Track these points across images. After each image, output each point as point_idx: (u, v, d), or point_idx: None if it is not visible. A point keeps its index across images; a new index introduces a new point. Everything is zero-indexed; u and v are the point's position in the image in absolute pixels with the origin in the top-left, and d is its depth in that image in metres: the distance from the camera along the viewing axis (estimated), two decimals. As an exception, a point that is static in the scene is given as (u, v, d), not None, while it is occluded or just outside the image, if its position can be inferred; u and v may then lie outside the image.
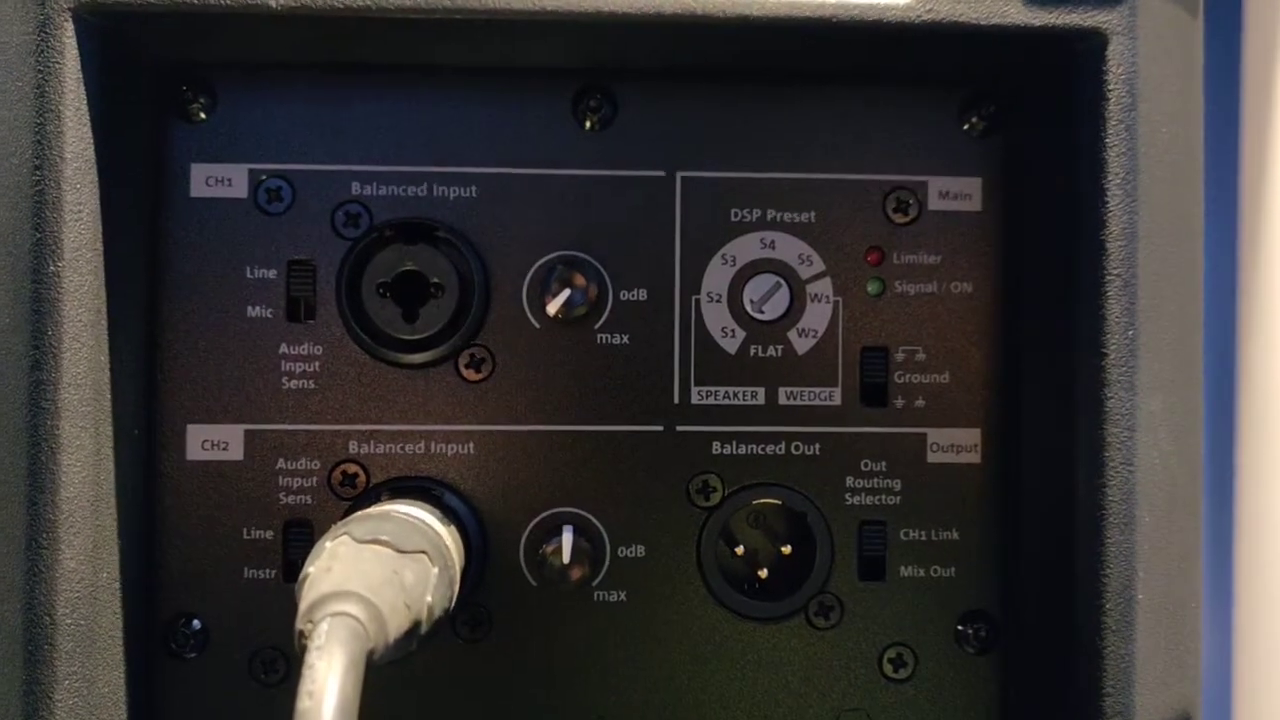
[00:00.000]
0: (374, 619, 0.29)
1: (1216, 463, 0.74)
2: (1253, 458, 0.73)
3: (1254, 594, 0.73)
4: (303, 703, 0.26)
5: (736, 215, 0.42)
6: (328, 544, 0.32)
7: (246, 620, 0.41)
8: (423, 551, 0.33)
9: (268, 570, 0.41)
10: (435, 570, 0.33)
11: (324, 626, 0.28)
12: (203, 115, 0.41)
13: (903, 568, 0.43)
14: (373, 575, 0.30)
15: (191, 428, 0.41)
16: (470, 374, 0.41)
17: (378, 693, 0.40)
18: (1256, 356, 0.72)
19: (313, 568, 0.31)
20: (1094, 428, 0.38)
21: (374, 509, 0.36)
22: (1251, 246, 0.72)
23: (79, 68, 0.36)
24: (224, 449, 0.41)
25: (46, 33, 0.35)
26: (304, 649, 0.28)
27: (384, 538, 0.32)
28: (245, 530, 0.41)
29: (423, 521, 0.35)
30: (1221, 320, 0.74)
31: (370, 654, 0.29)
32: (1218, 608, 0.75)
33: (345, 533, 0.33)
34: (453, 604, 0.35)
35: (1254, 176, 0.72)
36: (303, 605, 0.29)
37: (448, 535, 0.37)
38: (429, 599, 0.32)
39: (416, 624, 0.31)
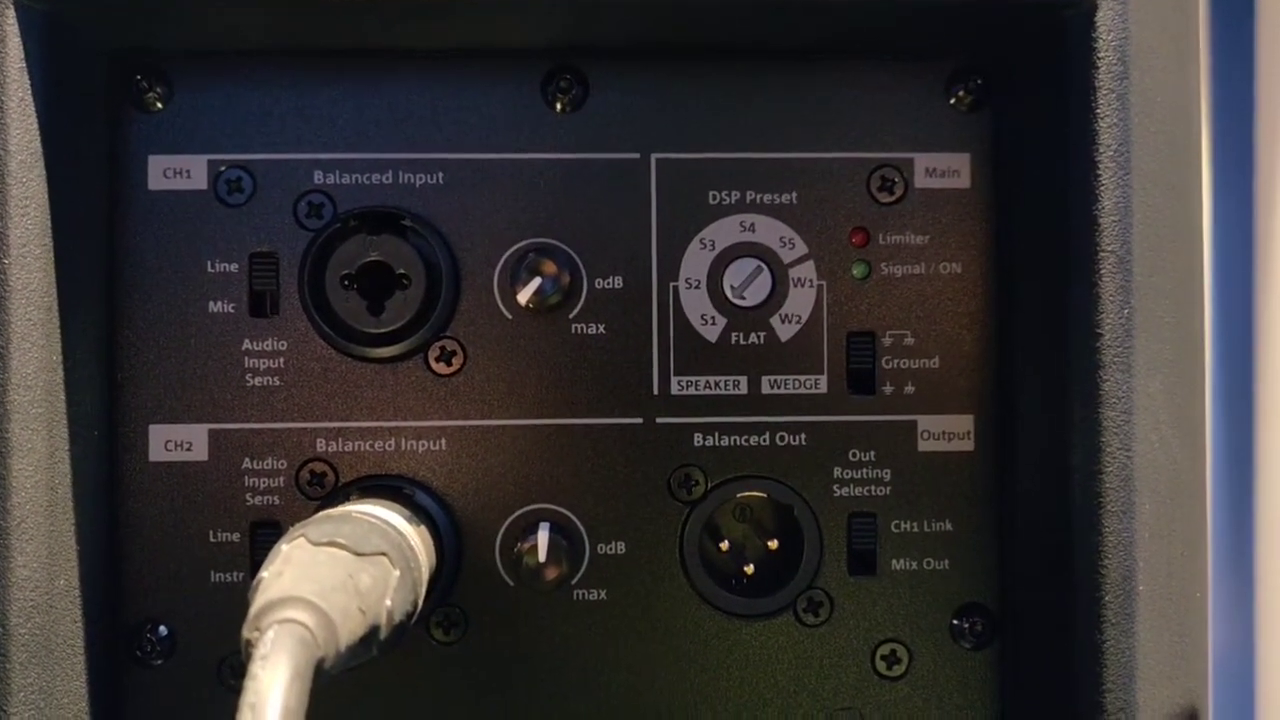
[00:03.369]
0: (324, 626, 0.28)
1: (1237, 449, 0.72)
2: (1273, 442, 0.71)
3: (1277, 583, 0.71)
4: (244, 715, 0.25)
5: (715, 197, 0.41)
6: (283, 547, 0.31)
7: (214, 625, 0.40)
8: (382, 554, 0.32)
9: (235, 573, 0.40)
10: (396, 573, 0.32)
11: (270, 635, 0.27)
12: (159, 105, 0.40)
13: (894, 561, 0.41)
14: (325, 580, 0.29)
15: (154, 428, 0.40)
16: (440, 367, 0.40)
17: (350, 697, 0.40)
18: (1276, 340, 0.71)
19: (266, 572, 0.30)
20: (1090, 411, 0.36)
21: (335, 510, 0.35)
22: (1268, 229, 0.71)
23: (22, 57, 0.35)
24: (188, 449, 0.40)
25: (-14, 21, 0.34)
26: (250, 658, 0.27)
27: (340, 540, 0.31)
28: (211, 533, 0.40)
29: (385, 522, 0.34)
30: (1240, 305, 0.72)
31: (321, 662, 0.27)
32: (1240, 598, 0.73)
33: (301, 535, 0.31)
34: (419, 607, 0.34)
35: (1269, 161, 0.71)
36: (251, 611, 0.28)
37: (415, 536, 0.35)
38: (388, 603, 0.31)
39: (374, 629, 0.30)
